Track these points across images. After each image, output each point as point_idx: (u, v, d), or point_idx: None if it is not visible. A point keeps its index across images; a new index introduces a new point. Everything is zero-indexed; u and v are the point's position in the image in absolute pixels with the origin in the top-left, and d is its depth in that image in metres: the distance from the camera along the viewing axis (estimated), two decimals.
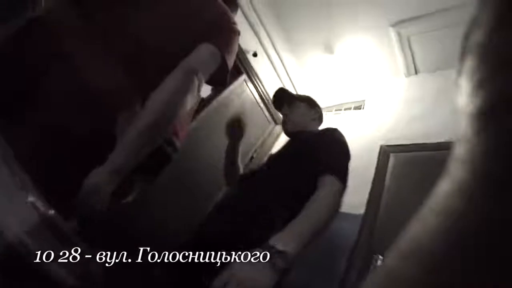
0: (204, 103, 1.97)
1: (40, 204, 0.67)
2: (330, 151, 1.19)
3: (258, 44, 2.25)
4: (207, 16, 1.07)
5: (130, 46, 0.97)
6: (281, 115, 1.53)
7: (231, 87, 2.02)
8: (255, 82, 2.18)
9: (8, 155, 0.72)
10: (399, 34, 2.29)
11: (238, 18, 1.27)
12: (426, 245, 0.18)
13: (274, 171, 1.26)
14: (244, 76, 2.11)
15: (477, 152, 0.18)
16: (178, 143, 1.54)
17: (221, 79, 1.05)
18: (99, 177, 0.87)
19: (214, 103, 1.94)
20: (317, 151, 1.18)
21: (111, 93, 0.92)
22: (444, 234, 0.18)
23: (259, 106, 2.28)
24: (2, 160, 0.69)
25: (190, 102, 0.94)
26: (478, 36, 0.19)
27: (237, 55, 2.10)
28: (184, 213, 1.78)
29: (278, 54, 2.37)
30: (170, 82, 0.92)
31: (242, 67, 2.13)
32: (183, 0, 1.09)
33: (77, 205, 0.85)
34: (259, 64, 2.22)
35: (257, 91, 2.22)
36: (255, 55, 2.20)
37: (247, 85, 2.13)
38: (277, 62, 2.37)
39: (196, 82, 0.93)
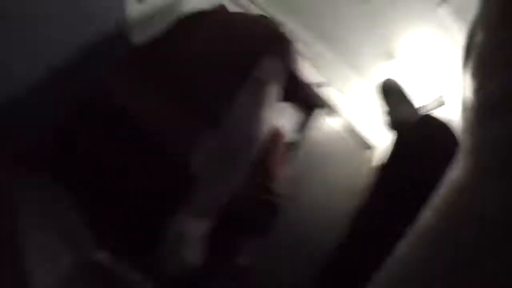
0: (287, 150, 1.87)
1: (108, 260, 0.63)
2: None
3: None
4: (257, 32, 1.07)
5: (183, 77, 0.97)
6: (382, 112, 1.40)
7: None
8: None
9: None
10: None
11: None
12: (436, 229, 0.21)
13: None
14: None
15: (479, 145, 0.21)
16: (280, 190, 1.48)
17: (294, 89, 1.05)
18: (185, 222, 0.77)
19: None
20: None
21: (173, 132, 0.86)
22: (452, 220, 0.21)
23: (345, 134, 2.15)
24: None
25: (266, 115, 0.88)
26: (481, 35, 0.24)
27: None
28: (297, 266, 1.64)
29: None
30: (241, 98, 0.87)
31: None
32: (230, 25, 1.14)
33: (163, 258, 0.75)
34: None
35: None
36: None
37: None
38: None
39: (268, 92, 0.90)
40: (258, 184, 1.44)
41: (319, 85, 2.09)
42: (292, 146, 1.88)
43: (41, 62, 0.99)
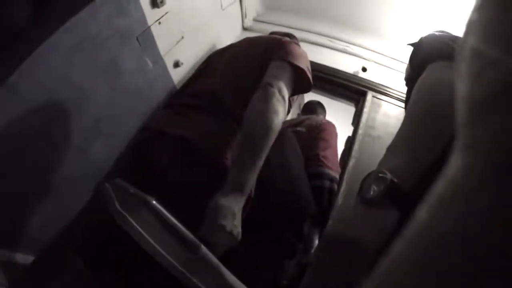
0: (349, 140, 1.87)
1: None
2: None
3: (361, 59, 2.14)
4: (262, 46, 1.29)
5: (213, 97, 1.22)
6: None
7: (365, 109, 1.89)
8: (381, 90, 2.01)
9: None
10: None
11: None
12: (430, 231, 0.19)
13: None
14: (370, 93, 1.97)
15: (478, 141, 0.18)
16: (333, 174, 1.52)
17: (303, 82, 1.19)
18: (220, 198, 0.90)
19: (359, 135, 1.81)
20: None
21: (213, 142, 1.10)
22: (446, 221, 0.18)
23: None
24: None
25: (275, 107, 1.03)
26: (480, 21, 0.20)
27: (348, 80, 2.01)
28: None
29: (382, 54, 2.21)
30: (251, 101, 1.05)
31: (360, 86, 2.01)
32: (244, 47, 1.39)
33: (206, 234, 0.86)
34: (372, 74, 2.08)
35: (391, 97, 2.03)
36: (364, 69, 2.07)
37: (378, 98, 1.97)
38: (386, 60, 2.19)
39: (273, 90, 1.05)
40: (311, 171, 1.52)
41: (364, 69, 2.08)
42: (349, 137, 1.89)
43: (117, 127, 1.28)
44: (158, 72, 1.40)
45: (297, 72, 1.16)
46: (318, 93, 2.28)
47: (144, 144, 1.20)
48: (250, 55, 1.29)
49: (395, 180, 0.66)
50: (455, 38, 1.13)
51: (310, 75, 1.21)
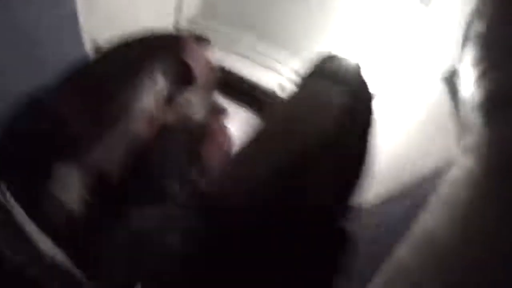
0: None
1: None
2: None
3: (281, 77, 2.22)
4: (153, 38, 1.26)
5: (101, 88, 1.11)
6: None
7: None
8: None
9: None
10: None
11: None
12: (437, 236, 0.19)
13: None
14: None
15: (483, 142, 0.18)
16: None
17: (187, 74, 1.19)
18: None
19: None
20: None
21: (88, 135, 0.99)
22: (451, 223, 0.18)
23: None
24: None
25: (144, 106, 1.04)
26: (481, 27, 0.21)
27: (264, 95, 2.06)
28: None
29: None
30: (125, 93, 1.04)
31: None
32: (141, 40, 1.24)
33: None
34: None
35: None
36: (283, 88, 2.15)
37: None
38: None
39: (144, 79, 1.06)
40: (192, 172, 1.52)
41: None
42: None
43: None
44: (73, 46, 1.33)
45: (181, 64, 1.20)
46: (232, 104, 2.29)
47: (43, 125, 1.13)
48: (140, 49, 1.25)
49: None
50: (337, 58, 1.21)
51: (196, 70, 1.24)
